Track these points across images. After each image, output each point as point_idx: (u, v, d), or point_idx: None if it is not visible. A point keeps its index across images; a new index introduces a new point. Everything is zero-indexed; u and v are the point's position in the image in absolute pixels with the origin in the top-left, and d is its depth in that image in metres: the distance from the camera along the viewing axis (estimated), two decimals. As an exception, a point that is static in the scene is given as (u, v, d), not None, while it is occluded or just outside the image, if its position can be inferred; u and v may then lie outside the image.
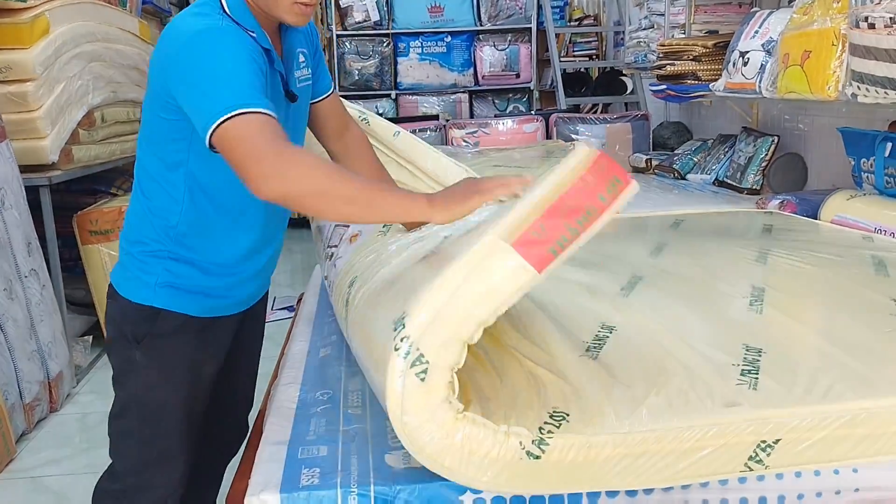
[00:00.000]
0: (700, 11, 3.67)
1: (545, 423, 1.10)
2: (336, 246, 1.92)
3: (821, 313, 1.63)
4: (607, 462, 1.11)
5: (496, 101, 5.93)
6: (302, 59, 1.48)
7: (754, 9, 3.16)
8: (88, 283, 3.46)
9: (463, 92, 5.83)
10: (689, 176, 3.73)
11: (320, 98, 1.59)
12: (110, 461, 1.56)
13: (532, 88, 5.85)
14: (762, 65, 2.76)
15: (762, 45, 2.78)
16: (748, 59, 2.84)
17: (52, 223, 3.02)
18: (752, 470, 1.14)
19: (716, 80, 3.15)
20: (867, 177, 2.52)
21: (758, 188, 3.28)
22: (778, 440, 1.13)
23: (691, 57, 3.30)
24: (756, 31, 2.85)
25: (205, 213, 1.43)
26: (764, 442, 1.13)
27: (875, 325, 1.47)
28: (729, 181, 3.44)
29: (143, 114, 1.43)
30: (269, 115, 1.21)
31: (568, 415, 1.12)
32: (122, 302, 1.48)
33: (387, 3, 5.66)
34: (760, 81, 2.75)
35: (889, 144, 2.42)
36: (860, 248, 2.11)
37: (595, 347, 1.38)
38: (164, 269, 1.45)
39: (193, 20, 1.30)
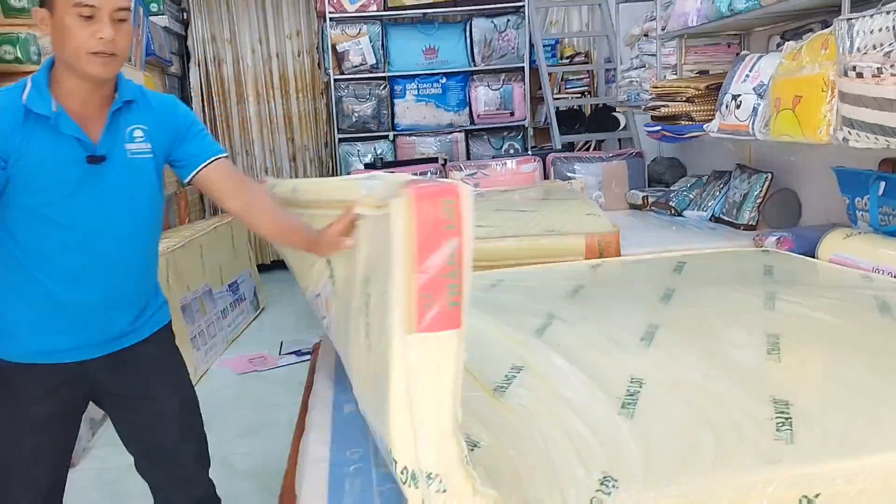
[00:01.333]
0: (691, 52, 3.79)
1: (597, 490, 1.16)
2: (324, 317, 1.94)
3: (838, 360, 1.68)
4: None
5: (492, 140, 6.03)
6: (139, 133, 1.61)
7: (744, 52, 3.27)
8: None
9: (459, 131, 5.92)
10: (685, 212, 3.82)
11: (201, 167, 1.69)
12: None
13: (527, 126, 5.95)
14: (754, 107, 2.86)
15: (753, 88, 2.88)
16: (740, 101, 2.94)
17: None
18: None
19: (709, 120, 3.25)
20: (862, 215, 2.61)
21: (754, 224, 3.37)
22: (818, 494, 1.18)
23: (684, 98, 3.40)
24: (747, 75, 2.96)
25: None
26: (805, 497, 1.18)
27: (892, 372, 1.54)
28: (725, 217, 3.53)
29: None
30: None
31: (617, 480, 1.18)
32: None
33: (382, 46, 5.77)
34: (753, 123, 2.85)
35: (882, 183, 2.51)
36: (861, 288, 2.18)
37: (629, 404, 1.45)
38: None
39: None
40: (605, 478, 1.19)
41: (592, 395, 1.52)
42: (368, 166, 4.87)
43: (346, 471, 1.47)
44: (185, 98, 6.00)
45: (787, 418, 1.35)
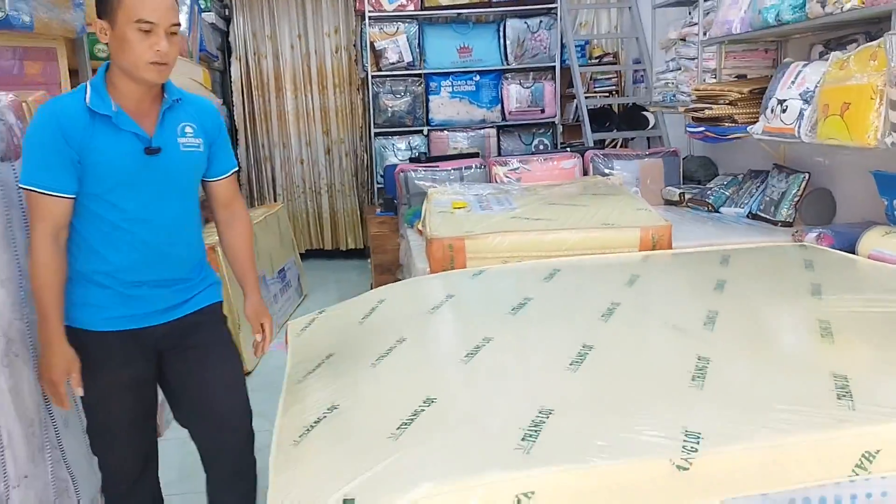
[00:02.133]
0: (730, 57, 3.98)
1: (683, 444, 1.36)
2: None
3: (888, 343, 1.86)
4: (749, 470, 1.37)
5: (522, 136, 6.23)
6: (189, 129, 1.85)
7: (787, 59, 3.47)
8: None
9: (491, 127, 6.12)
10: (722, 209, 4.02)
11: (218, 178, 1.99)
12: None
13: (556, 123, 6.16)
14: (801, 112, 3.06)
15: (799, 94, 3.09)
16: (786, 106, 3.14)
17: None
18: (857, 475, 1.40)
19: (752, 123, 3.46)
20: (901, 214, 2.82)
21: (791, 221, 3.57)
22: (879, 451, 1.39)
23: (727, 101, 3.60)
24: (793, 82, 3.16)
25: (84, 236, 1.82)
26: (868, 452, 1.39)
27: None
28: (762, 214, 3.73)
29: None
30: (49, 194, 1.71)
31: (700, 434, 1.38)
32: None
33: (419, 45, 5.96)
34: (799, 127, 3.05)
35: (921, 185, 2.71)
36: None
37: (699, 377, 1.65)
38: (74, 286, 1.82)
39: (56, 98, 1.81)
40: (687, 433, 1.39)
41: (664, 370, 1.72)
42: (413, 160, 5.06)
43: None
44: (226, 92, 6.19)
45: (846, 390, 1.55)
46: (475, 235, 3.06)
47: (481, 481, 1.30)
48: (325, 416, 1.67)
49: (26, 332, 1.91)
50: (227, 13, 6.16)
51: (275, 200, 6.29)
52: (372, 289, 5.10)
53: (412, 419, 1.55)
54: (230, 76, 6.24)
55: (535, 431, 1.44)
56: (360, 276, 5.92)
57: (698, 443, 1.37)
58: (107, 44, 1.74)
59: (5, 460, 1.75)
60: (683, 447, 1.36)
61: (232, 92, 6.22)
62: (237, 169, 2.05)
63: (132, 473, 1.99)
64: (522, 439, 1.41)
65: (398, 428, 1.52)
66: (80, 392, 1.78)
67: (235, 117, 6.24)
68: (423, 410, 1.58)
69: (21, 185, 1.75)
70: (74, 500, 2.25)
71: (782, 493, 1.41)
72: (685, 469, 1.34)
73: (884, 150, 2.57)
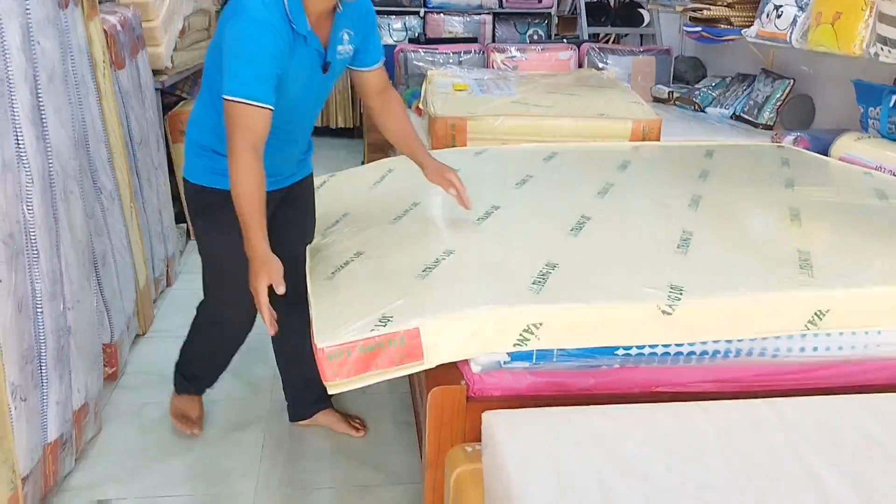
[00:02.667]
0: (731, -41, 4.07)
1: (668, 295, 1.62)
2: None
3: (845, 228, 2.13)
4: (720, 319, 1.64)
5: (517, 25, 6.26)
6: (346, 37, 1.90)
7: (787, -34, 3.58)
8: (176, 178, 3.86)
9: (487, 13, 6.15)
10: (707, 109, 4.22)
11: (368, 69, 2.04)
12: None
13: (552, 13, 6.20)
14: (794, 18, 3.22)
15: (795, 0, 3.24)
16: (781, 11, 3.30)
17: (163, 124, 3.40)
18: (808, 329, 1.67)
19: (747, 26, 3.61)
20: (873, 123, 3.05)
21: (771, 124, 3.79)
22: (828, 310, 1.66)
23: (725, 3, 3.74)
24: (790, -12, 3.30)
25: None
26: (819, 310, 1.66)
27: (881, 234, 2.03)
28: (746, 116, 3.94)
29: (213, 54, 1.87)
30: (262, 107, 1.70)
31: (682, 288, 1.64)
32: (186, 185, 2.03)
33: (419, -77, 5.90)
34: (791, 33, 3.22)
35: (894, 97, 2.93)
36: (864, 180, 2.63)
37: (683, 245, 1.90)
38: (209, 159, 1.95)
39: (256, 5, 1.70)
40: (672, 286, 1.65)
41: (653, 239, 1.97)
42: (413, 41, 5.12)
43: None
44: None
45: (808, 262, 1.81)
46: (478, 116, 3.23)
47: (498, 312, 1.55)
48: (353, 259, 1.89)
49: (79, 171, 2.09)
50: None
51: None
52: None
53: (435, 265, 1.78)
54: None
55: (543, 279, 1.68)
56: (350, 154, 6.06)
57: (681, 294, 1.63)
58: None
59: (63, 283, 1.96)
60: (668, 296, 1.62)
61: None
62: (384, 59, 2.09)
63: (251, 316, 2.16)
64: (532, 283, 1.66)
65: (423, 270, 1.75)
66: (281, 290, 1.72)
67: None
68: (444, 259, 1.81)
69: (230, 97, 1.68)
70: (108, 329, 2.50)
71: (745, 342, 1.69)
72: (668, 314, 1.60)
73: (867, 60, 2.76)
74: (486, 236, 2.01)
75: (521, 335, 1.55)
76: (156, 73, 3.33)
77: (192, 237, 2.26)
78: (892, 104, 2.99)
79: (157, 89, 3.32)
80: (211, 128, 1.92)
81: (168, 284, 3.35)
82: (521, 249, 1.90)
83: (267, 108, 1.71)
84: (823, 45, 2.97)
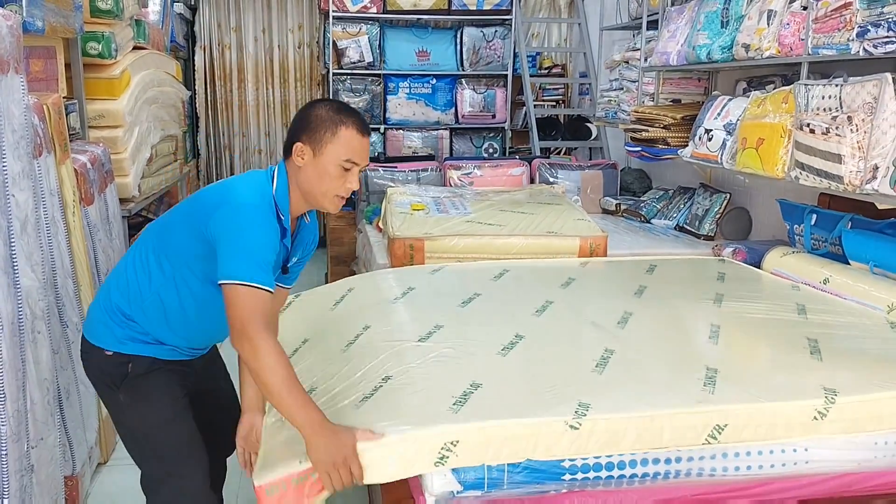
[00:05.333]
0: (667, 83, 4.41)
1: (575, 412, 1.73)
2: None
3: (759, 343, 2.30)
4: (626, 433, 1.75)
5: (473, 139, 6.58)
6: (301, 251, 1.99)
7: (715, 92, 3.90)
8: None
9: (445, 129, 6.46)
10: (653, 220, 4.45)
11: (286, 286, 2.05)
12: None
13: (506, 128, 6.53)
14: (724, 142, 3.48)
15: (723, 125, 3.51)
16: (712, 135, 3.56)
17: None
18: (709, 443, 1.77)
19: (683, 146, 3.88)
20: (798, 238, 3.26)
21: (712, 235, 4.02)
22: (726, 425, 1.77)
23: (662, 125, 4.02)
24: (718, 113, 3.59)
25: (175, 309, 1.87)
26: (718, 425, 1.77)
27: (795, 349, 2.19)
28: (688, 227, 4.17)
29: (175, 229, 1.85)
30: (270, 291, 1.67)
31: (589, 404, 1.76)
32: (103, 356, 1.88)
33: (380, 46, 6.24)
34: (722, 155, 3.48)
35: (815, 216, 3.16)
36: (789, 295, 2.80)
37: (601, 365, 2.04)
38: (130, 329, 1.88)
39: (252, 192, 1.75)
40: (580, 403, 1.76)
41: (575, 358, 2.11)
42: (373, 160, 5.34)
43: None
44: (188, 80, 6.36)
45: (712, 380, 1.94)
46: (434, 237, 3.39)
47: (418, 433, 1.67)
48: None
49: (46, 311, 2.17)
50: (193, 2, 6.33)
51: (233, 188, 6.49)
52: (327, 278, 5.39)
53: (372, 393, 1.90)
54: (194, 65, 6.40)
55: (465, 398, 1.81)
56: (313, 266, 6.18)
57: (587, 410, 1.75)
58: (298, 164, 1.78)
59: (28, 423, 2.01)
60: (576, 412, 1.74)
61: (195, 80, 6.39)
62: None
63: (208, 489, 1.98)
64: (454, 403, 1.78)
65: (361, 400, 1.88)
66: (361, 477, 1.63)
67: (197, 105, 6.42)
68: (382, 385, 1.93)
69: (243, 282, 1.63)
70: (70, 463, 2.52)
71: (683, 463, 1.80)
72: (576, 429, 1.72)
73: (795, 183, 2.99)
74: (423, 359, 2.11)
75: (440, 453, 1.66)
76: (123, 201, 3.46)
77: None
78: (813, 222, 3.21)
79: (123, 217, 3.44)
80: (137, 295, 1.87)
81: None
82: (452, 370, 2.02)
83: (270, 291, 1.68)
84: (750, 167, 3.22)
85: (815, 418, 1.81)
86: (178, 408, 1.93)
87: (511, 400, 1.83)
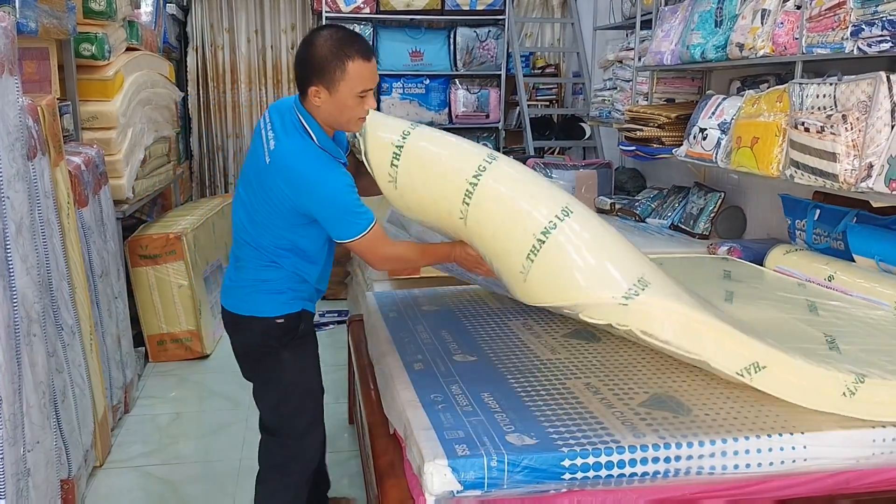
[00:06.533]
0: (661, 83, 4.41)
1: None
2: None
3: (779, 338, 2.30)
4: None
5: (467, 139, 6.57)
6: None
7: (710, 91, 3.91)
8: (135, 301, 3.91)
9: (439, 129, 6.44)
10: (648, 220, 4.45)
11: None
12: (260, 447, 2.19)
13: (500, 128, 6.53)
14: (718, 141, 3.49)
15: (718, 124, 3.52)
16: (706, 134, 3.57)
17: (124, 251, 3.48)
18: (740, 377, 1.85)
19: (677, 145, 3.88)
20: (800, 234, 3.27)
21: (707, 234, 4.02)
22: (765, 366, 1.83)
23: (657, 125, 4.02)
24: (713, 113, 3.59)
25: (301, 262, 2.08)
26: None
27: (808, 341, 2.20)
28: (683, 226, 4.18)
29: (266, 209, 2.00)
30: (378, 223, 1.96)
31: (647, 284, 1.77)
32: (263, 321, 2.08)
33: (373, 46, 6.24)
34: (717, 154, 3.48)
35: (818, 211, 3.17)
36: (797, 293, 2.82)
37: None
38: (289, 290, 2.09)
39: (310, 162, 1.90)
40: (640, 279, 1.85)
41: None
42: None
43: (437, 408, 2.00)
44: (181, 81, 6.34)
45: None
46: (430, 237, 3.38)
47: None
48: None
49: (42, 313, 2.16)
50: (185, 3, 6.30)
51: (226, 190, 6.47)
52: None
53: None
54: (186, 66, 6.38)
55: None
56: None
57: (645, 288, 1.85)
58: (316, 104, 1.90)
59: (24, 426, 2.00)
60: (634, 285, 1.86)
61: (187, 81, 6.37)
62: None
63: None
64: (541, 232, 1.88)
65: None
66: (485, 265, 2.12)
67: (190, 107, 6.39)
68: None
69: (360, 235, 1.93)
70: (66, 464, 2.50)
71: (682, 462, 1.80)
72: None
73: (790, 181, 3.00)
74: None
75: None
76: (117, 202, 3.44)
77: (255, 377, 2.17)
78: (816, 217, 3.22)
79: (118, 218, 3.42)
80: (276, 271, 2.06)
81: (126, 411, 3.36)
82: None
83: (375, 220, 1.97)
84: (745, 166, 3.22)
85: (845, 394, 1.86)
86: (319, 368, 2.23)
87: None
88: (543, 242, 1.84)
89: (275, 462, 2.16)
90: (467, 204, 1.96)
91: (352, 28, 6.10)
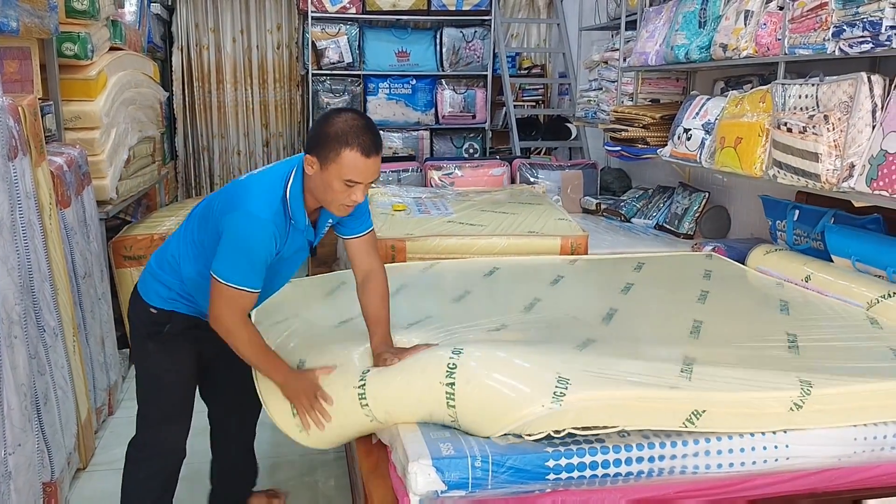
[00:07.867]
0: (645, 83, 4.44)
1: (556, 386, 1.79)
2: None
3: (738, 338, 2.31)
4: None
5: (453, 139, 6.58)
6: (329, 224, 2.08)
7: (694, 92, 3.93)
8: (119, 302, 3.88)
9: (425, 129, 6.45)
10: (633, 220, 4.47)
11: (353, 236, 2.12)
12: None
13: (486, 128, 6.53)
14: (702, 141, 3.51)
15: (702, 125, 3.54)
16: (691, 135, 3.59)
17: (107, 252, 3.46)
18: (686, 427, 1.81)
19: (662, 145, 3.90)
20: (780, 234, 3.30)
21: (691, 234, 4.05)
22: (704, 411, 1.81)
23: (641, 125, 4.04)
24: (697, 113, 3.61)
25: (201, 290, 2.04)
26: (696, 411, 1.81)
27: (774, 347, 2.22)
28: (668, 226, 4.20)
29: (199, 226, 2.04)
30: (252, 292, 1.90)
31: (569, 380, 1.81)
32: (142, 304, 2.13)
33: (359, 46, 6.23)
34: (701, 154, 3.50)
35: (797, 211, 3.19)
36: (773, 292, 2.84)
37: (582, 345, 2.08)
38: (177, 293, 2.10)
39: (259, 202, 1.88)
40: (559, 378, 1.80)
41: (556, 342, 2.16)
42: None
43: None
44: (166, 81, 6.31)
45: (690, 368, 1.96)
46: (415, 238, 3.39)
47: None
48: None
49: (23, 315, 2.14)
50: (170, 3, 6.27)
51: (212, 191, 6.44)
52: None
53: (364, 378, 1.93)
54: (171, 66, 6.35)
55: (453, 373, 1.85)
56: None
57: (567, 387, 1.79)
58: (308, 172, 1.89)
59: (5, 429, 1.98)
60: (556, 388, 1.78)
61: (172, 81, 6.34)
62: (372, 229, 2.14)
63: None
64: (447, 376, 1.83)
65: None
66: (331, 402, 1.91)
67: (175, 107, 6.36)
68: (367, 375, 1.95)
69: (224, 281, 1.86)
70: (48, 467, 2.48)
71: (665, 461, 1.81)
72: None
73: (773, 182, 3.02)
74: (412, 339, 2.15)
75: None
76: (100, 203, 3.42)
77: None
78: (795, 218, 3.24)
79: (101, 219, 3.40)
80: (175, 266, 2.09)
81: (110, 413, 3.33)
82: (438, 348, 2.02)
83: (256, 292, 1.92)
84: (728, 166, 3.24)
85: (792, 409, 1.84)
86: (187, 374, 2.20)
87: (497, 370, 1.88)
88: (453, 384, 1.83)
89: (135, 440, 2.27)
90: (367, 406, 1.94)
91: (338, 28, 6.12)
